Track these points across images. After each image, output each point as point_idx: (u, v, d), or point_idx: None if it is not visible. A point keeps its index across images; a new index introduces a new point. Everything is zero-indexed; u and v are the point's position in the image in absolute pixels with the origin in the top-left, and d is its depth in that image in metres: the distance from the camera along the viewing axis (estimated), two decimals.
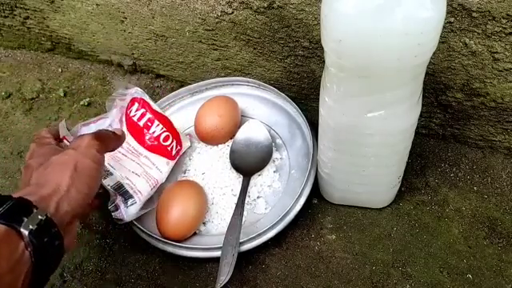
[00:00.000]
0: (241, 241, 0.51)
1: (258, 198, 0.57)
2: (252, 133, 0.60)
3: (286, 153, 0.61)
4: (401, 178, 0.53)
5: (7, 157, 0.66)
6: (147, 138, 0.57)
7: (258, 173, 0.58)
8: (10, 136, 0.68)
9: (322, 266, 0.52)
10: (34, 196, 0.37)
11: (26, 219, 0.35)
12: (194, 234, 0.55)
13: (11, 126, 0.69)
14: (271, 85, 0.62)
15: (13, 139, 0.68)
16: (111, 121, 0.58)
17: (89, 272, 0.54)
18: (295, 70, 0.60)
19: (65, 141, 0.55)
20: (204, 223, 0.56)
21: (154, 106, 0.59)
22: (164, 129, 0.58)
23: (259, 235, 0.51)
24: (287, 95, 0.61)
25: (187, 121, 0.64)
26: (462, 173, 0.59)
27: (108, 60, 0.74)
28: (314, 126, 0.55)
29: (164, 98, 0.65)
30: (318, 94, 0.46)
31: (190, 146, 0.62)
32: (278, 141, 0.62)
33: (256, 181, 0.58)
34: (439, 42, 0.39)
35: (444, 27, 0.46)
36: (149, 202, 0.55)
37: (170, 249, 0.52)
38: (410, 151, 0.50)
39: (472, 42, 0.48)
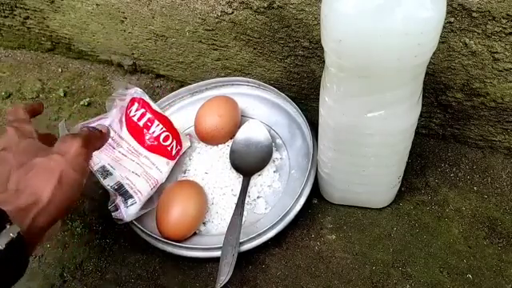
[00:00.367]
0: (241, 241, 0.51)
1: (258, 197, 0.57)
2: (252, 133, 0.60)
3: (286, 153, 0.61)
4: (401, 177, 0.53)
5: None
6: (147, 137, 0.57)
7: (258, 173, 0.58)
8: None
9: (322, 266, 0.52)
10: (11, 205, 0.35)
11: None
12: (194, 233, 0.55)
13: None
14: (271, 85, 0.62)
15: None
16: (111, 121, 0.58)
17: (89, 272, 0.54)
18: (295, 70, 0.60)
19: None
20: (204, 223, 0.56)
21: (154, 106, 0.59)
22: (164, 129, 0.58)
23: (259, 235, 0.51)
24: (287, 95, 0.61)
25: (187, 121, 0.64)
26: (462, 173, 0.59)
27: (108, 60, 0.74)
28: (314, 126, 0.55)
29: (164, 98, 0.65)
30: (318, 94, 0.46)
31: (190, 146, 0.62)
32: (278, 141, 0.62)
33: (256, 181, 0.58)
34: (439, 42, 0.39)
35: (444, 27, 0.46)
36: (149, 202, 0.55)
37: (169, 249, 0.52)
38: (410, 151, 0.50)
39: (472, 42, 0.48)
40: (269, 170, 0.59)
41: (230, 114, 0.60)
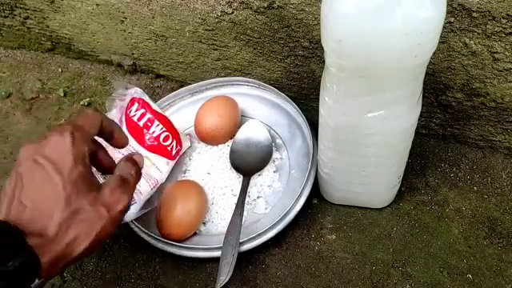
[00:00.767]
0: (241, 241, 0.51)
1: (258, 197, 0.57)
2: (252, 133, 0.60)
3: (286, 153, 0.61)
4: (401, 177, 0.53)
5: (7, 157, 0.66)
6: (147, 137, 0.57)
7: (258, 173, 0.58)
8: (10, 136, 0.68)
9: (322, 266, 0.52)
10: (48, 255, 0.33)
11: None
12: (194, 233, 0.55)
13: (11, 126, 0.69)
14: (271, 85, 0.62)
15: (13, 139, 0.68)
16: None
17: (89, 272, 0.54)
18: (295, 70, 0.60)
19: None
20: (204, 223, 0.56)
21: (154, 106, 0.59)
22: (164, 129, 0.58)
23: (259, 235, 0.51)
24: (287, 95, 0.61)
25: (187, 121, 0.64)
26: (462, 173, 0.59)
27: (108, 60, 0.74)
28: (314, 125, 0.55)
29: (164, 98, 0.65)
30: (318, 94, 0.46)
31: (190, 146, 0.62)
32: (278, 141, 0.62)
33: (256, 181, 0.58)
34: (439, 42, 0.39)
35: (444, 27, 0.46)
36: (149, 202, 0.55)
37: (169, 249, 0.52)
38: (410, 151, 0.50)
39: (472, 42, 0.48)
40: (269, 170, 0.59)
41: (230, 114, 0.60)
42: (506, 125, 0.56)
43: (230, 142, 0.61)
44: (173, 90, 0.69)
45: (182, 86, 0.67)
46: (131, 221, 0.53)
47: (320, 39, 0.39)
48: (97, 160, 0.42)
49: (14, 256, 0.31)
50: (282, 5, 0.52)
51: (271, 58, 0.60)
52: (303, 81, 0.62)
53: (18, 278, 0.31)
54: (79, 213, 0.35)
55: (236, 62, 0.64)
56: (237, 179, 0.58)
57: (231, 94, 0.63)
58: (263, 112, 0.64)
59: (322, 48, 0.40)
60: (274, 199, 0.57)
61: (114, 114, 0.57)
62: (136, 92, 0.58)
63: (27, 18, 0.72)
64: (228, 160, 0.59)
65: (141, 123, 0.58)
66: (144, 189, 0.54)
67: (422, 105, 0.45)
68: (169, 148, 0.58)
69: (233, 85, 0.65)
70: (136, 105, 0.58)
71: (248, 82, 0.64)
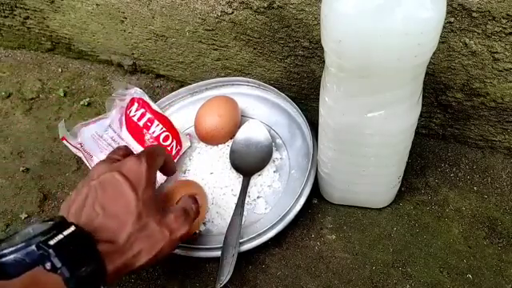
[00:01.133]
0: (241, 241, 0.51)
1: (258, 197, 0.57)
2: (252, 133, 0.60)
3: (286, 153, 0.61)
4: (401, 178, 0.53)
5: (7, 157, 0.66)
6: (147, 137, 0.57)
7: (258, 173, 0.58)
8: (10, 136, 0.68)
9: (322, 266, 0.52)
10: (115, 263, 0.36)
11: None
12: (194, 233, 0.55)
13: (11, 126, 0.69)
14: (271, 85, 0.62)
15: (13, 139, 0.68)
16: (111, 121, 0.58)
17: None
18: (295, 70, 0.60)
19: (65, 143, 0.55)
20: (204, 223, 0.55)
21: (154, 106, 0.59)
22: (164, 129, 0.58)
23: (259, 235, 0.51)
24: (287, 95, 0.61)
25: (187, 121, 0.64)
26: (462, 173, 0.59)
27: (108, 60, 0.74)
28: (314, 125, 0.55)
29: (164, 98, 0.65)
30: (318, 94, 0.46)
31: (190, 146, 0.62)
32: (278, 141, 0.62)
33: (256, 181, 0.58)
34: (439, 42, 0.39)
35: (444, 27, 0.46)
36: None
37: None
38: (410, 151, 0.50)
39: (472, 42, 0.48)
40: (269, 170, 0.59)
41: (230, 113, 0.60)
42: (506, 125, 0.56)
43: (229, 142, 0.61)
44: (173, 89, 0.69)
45: (181, 86, 0.67)
46: None
47: (320, 39, 0.39)
48: None
49: (86, 262, 0.33)
50: (282, 5, 0.52)
51: (271, 58, 0.60)
52: (303, 81, 0.62)
53: (87, 284, 0.33)
54: (146, 229, 0.39)
55: (236, 62, 0.64)
56: (237, 179, 0.58)
57: (231, 94, 0.63)
58: (263, 112, 0.64)
59: (322, 48, 0.40)
60: (273, 199, 0.57)
61: (114, 114, 0.57)
62: (136, 92, 0.58)
63: (27, 18, 0.72)
64: (228, 160, 0.59)
65: (141, 123, 0.58)
66: None
67: (422, 105, 0.45)
68: (169, 148, 0.58)
69: (233, 85, 0.65)
70: (136, 105, 0.58)
71: (248, 81, 0.64)
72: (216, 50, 0.63)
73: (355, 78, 0.40)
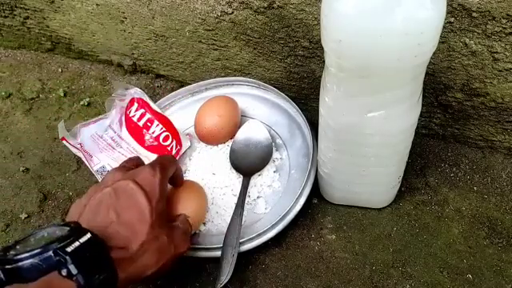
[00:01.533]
0: (241, 241, 0.51)
1: (258, 197, 0.57)
2: (252, 133, 0.60)
3: (286, 153, 0.61)
4: (401, 178, 0.53)
5: (7, 157, 0.66)
6: (147, 137, 0.57)
7: (258, 173, 0.58)
8: (10, 136, 0.68)
9: (322, 266, 0.52)
10: (127, 271, 0.37)
11: None
12: (194, 233, 0.55)
13: (11, 126, 0.69)
14: (271, 85, 0.62)
15: (13, 139, 0.68)
16: (111, 121, 0.58)
17: None
18: (295, 69, 0.60)
19: (65, 143, 0.55)
20: (204, 223, 0.55)
21: (154, 106, 0.59)
22: (164, 129, 0.58)
23: (259, 235, 0.51)
24: (287, 95, 0.61)
25: (187, 121, 0.64)
26: (461, 173, 0.59)
27: (108, 60, 0.74)
28: (314, 125, 0.55)
29: (164, 98, 0.65)
30: (318, 94, 0.46)
31: (190, 146, 0.62)
32: (278, 141, 0.62)
33: (256, 181, 0.58)
34: (439, 42, 0.39)
35: (444, 27, 0.46)
36: None
37: None
38: (410, 151, 0.50)
39: (472, 42, 0.48)
40: (269, 170, 0.59)
41: (229, 114, 0.60)
42: (506, 125, 0.56)
43: (230, 142, 0.61)
44: (173, 90, 0.69)
45: (181, 86, 0.67)
46: None
47: (320, 39, 0.39)
48: None
49: (100, 269, 0.34)
50: (282, 5, 0.52)
51: (271, 58, 0.60)
52: (303, 81, 0.62)
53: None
54: (157, 240, 0.40)
55: (236, 62, 0.64)
56: (237, 179, 0.58)
57: (231, 94, 0.63)
58: (263, 112, 0.64)
59: (322, 48, 0.40)
60: (273, 199, 0.57)
61: (114, 114, 0.57)
62: (136, 92, 0.58)
63: (27, 18, 0.72)
64: (228, 160, 0.59)
65: (141, 123, 0.58)
66: None
67: (422, 105, 0.45)
68: (169, 148, 0.58)
69: (233, 85, 0.65)
70: (136, 105, 0.58)
71: (248, 81, 0.64)
72: (216, 50, 0.63)
73: (355, 78, 0.40)
